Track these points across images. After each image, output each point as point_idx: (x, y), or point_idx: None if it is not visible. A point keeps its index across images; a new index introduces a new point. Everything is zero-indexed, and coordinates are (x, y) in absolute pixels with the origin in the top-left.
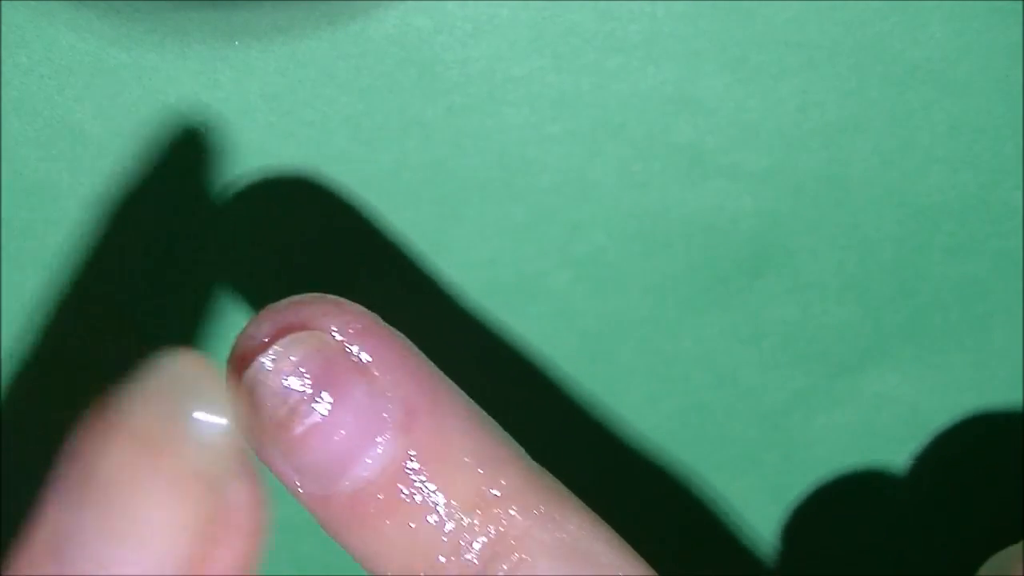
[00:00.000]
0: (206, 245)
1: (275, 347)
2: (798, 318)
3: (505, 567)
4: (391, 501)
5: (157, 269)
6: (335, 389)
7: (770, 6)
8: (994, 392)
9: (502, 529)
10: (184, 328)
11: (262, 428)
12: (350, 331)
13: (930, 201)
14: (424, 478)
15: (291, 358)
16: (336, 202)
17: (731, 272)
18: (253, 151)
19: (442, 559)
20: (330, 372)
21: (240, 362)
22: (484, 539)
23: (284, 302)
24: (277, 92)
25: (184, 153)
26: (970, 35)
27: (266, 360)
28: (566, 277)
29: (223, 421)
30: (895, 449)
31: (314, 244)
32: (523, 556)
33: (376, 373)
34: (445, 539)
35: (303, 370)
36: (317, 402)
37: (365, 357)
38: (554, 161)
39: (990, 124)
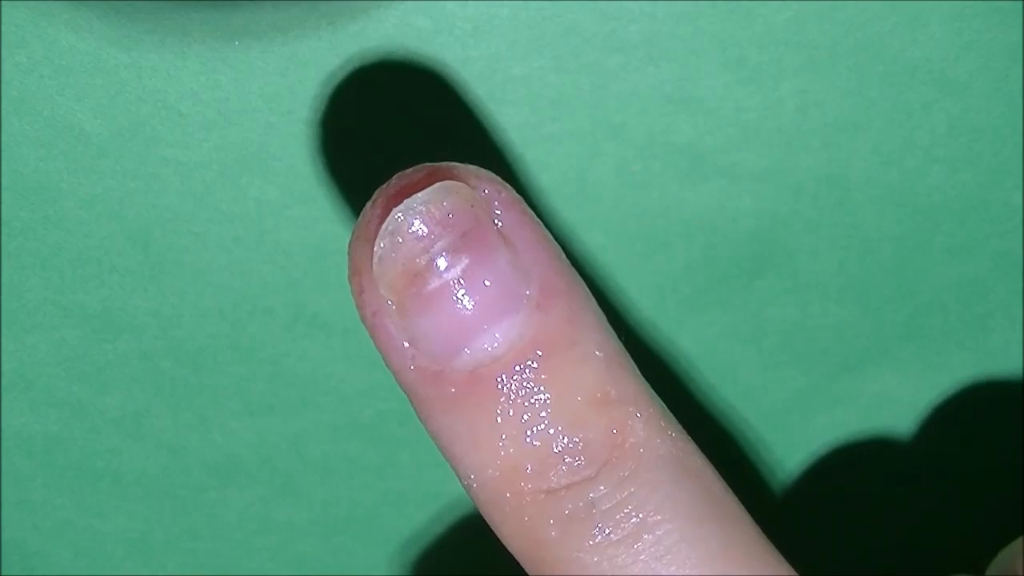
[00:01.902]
0: (207, 245)
1: (430, 190)
2: (798, 318)
3: (621, 472)
4: (513, 383)
5: (157, 269)
6: (480, 250)
7: (770, 6)
8: (994, 392)
9: (623, 433)
10: (184, 328)
11: (394, 278)
12: (500, 198)
13: (930, 201)
14: (553, 364)
15: (444, 204)
16: (335, 202)
17: (731, 272)
18: (253, 151)
19: (555, 454)
20: (478, 230)
21: (390, 202)
22: (603, 440)
23: (438, 163)
24: (277, 92)
25: (184, 153)
26: (970, 35)
27: (419, 199)
28: None
29: None
30: (895, 449)
31: (314, 243)
32: (640, 465)
33: (519, 246)
34: (562, 434)
35: (452, 220)
36: (459, 260)
37: (510, 228)
38: (554, 161)
39: (990, 124)
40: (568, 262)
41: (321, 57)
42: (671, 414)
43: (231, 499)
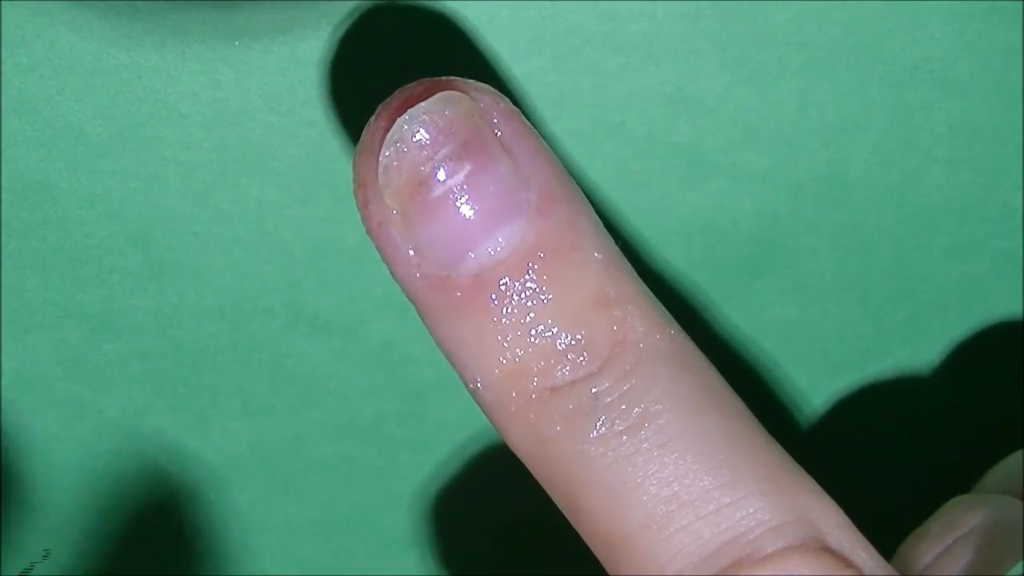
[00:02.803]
0: (207, 245)
1: (431, 100)
2: (798, 318)
3: (623, 367)
4: (516, 286)
5: (157, 269)
6: (482, 157)
7: (770, 6)
8: (994, 392)
9: (623, 330)
10: (184, 328)
11: (399, 187)
12: (499, 109)
13: (930, 201)
14: (554, 267)
15: (446, 114)
16: (336, 202)
17: (731, 272)
18: (253, 151)
19: (559, 351)
20: (478, 139)
21: (392, 113)
22: (604, 337)
23: (442, 77)
24: (277, 92)
25: (184, 153)
26: (970, 35)
27: (421, 109)
28: None
29: None
30: (895, 449)
31: (314, 243)
32: (641, 360)
33: (518, 155)
34: (565, 333)
35: (454, 129)
36: (461, 167)
37: (509, 138)
38: None
39: (990, 124)
40: (566, 171)
41: (321, 57)
42: (669, 314)
43: (231, 499)
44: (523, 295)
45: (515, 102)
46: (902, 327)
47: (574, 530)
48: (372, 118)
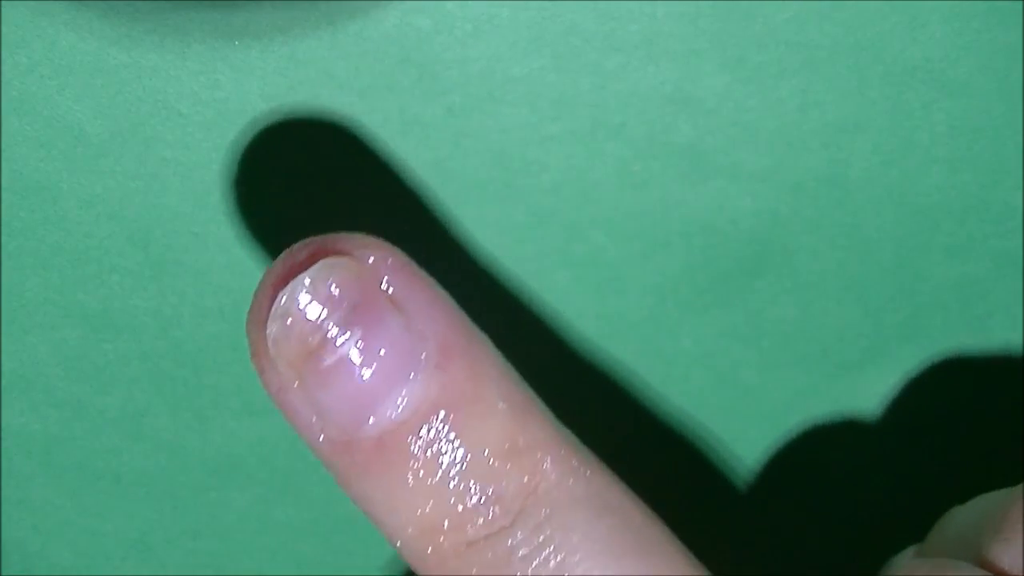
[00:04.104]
0: (207, 245)
1: (314, 268)
2: (798, 318)
3: (537, 518)
4: (420, 445)
5: (157, 269)
6: (371, 320)
7: (770, 6)
8: (994, 392)
9: (535, 479)
10: (184, 328)
11: (291, 358)
12: (387, 265)
13: (930, 201)
14: (458, 421)
15: (329, 282)
16: (336, 202)
17: (731, 272)
18: (253, 151)
19: (470, 508)
20: (367, 302)
21: (277, 284)
22: (515, 489)
23: (324, 235)
24: (277, 92)
25: (184, 153)
26: (970, 35)
27: (304, 280)
28: (566, 277)
29: None
30: (894, 449)
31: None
32: (555, 508)
33: (411, 310)
34: (475, 488)
35: (339, 295)
36: (351, 332)
37: (401, 293)
38: (554, 161)
39: (990, 124)
40: (466, 318)
41: (321, 57)
42: (587, 450)
43: (231, 499)
44: (429, 453)
45: (515, 102)
46: (902, 327)
47: None
48: (258, 286)
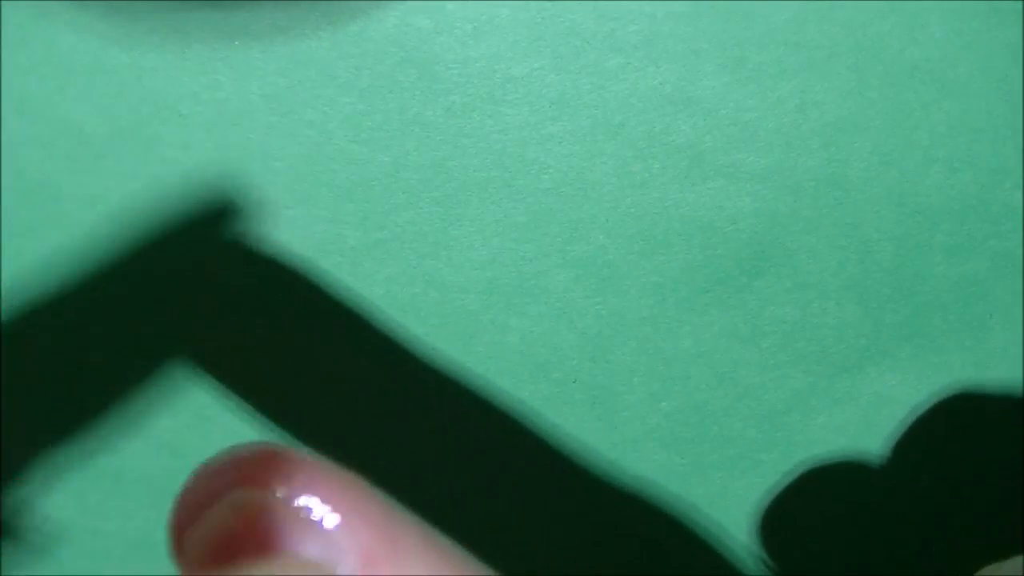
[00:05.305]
0: (207, 245)
1: (210, 513)
2: (798, 318)
3: None
4: None
5: (155, 268)
6: (284, 550)
7: (770, 6)
8: (994, 392)
9: None
10: (183, 328)
11: (203, 562)
12: (297, 482)
13: (930, 201)
14: None
15: (229, 524)
16: (336, 202)
17: (731, 272)
18: (253, 151)
19: None
20: (276, 533)
21: (179, 531)
22: None
23: (222, 456)
24: (277, 92)
25: (184, 153)
26: (970, 35)
27: (202, 528)
28: (566, 277)
29: None
30: (894, 449)
31: (314, 243)
32: None
33: (328, 525)
34: None
35: (245, 532)
36: (265, 565)
37: (315, 508)
38: (554, 161)
39: (990, 124)
40: (389, 511)
41: (321, 57)
42: None
43: None
44: None
45: (515, 102)
46: (902, 327)
47: (574, 530)
48: (167, 528)
